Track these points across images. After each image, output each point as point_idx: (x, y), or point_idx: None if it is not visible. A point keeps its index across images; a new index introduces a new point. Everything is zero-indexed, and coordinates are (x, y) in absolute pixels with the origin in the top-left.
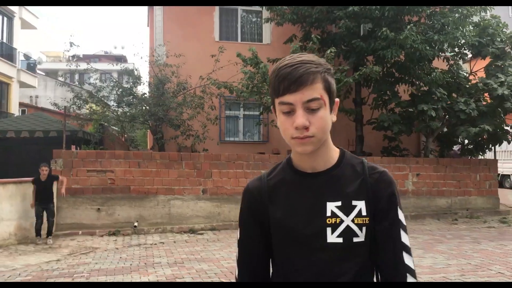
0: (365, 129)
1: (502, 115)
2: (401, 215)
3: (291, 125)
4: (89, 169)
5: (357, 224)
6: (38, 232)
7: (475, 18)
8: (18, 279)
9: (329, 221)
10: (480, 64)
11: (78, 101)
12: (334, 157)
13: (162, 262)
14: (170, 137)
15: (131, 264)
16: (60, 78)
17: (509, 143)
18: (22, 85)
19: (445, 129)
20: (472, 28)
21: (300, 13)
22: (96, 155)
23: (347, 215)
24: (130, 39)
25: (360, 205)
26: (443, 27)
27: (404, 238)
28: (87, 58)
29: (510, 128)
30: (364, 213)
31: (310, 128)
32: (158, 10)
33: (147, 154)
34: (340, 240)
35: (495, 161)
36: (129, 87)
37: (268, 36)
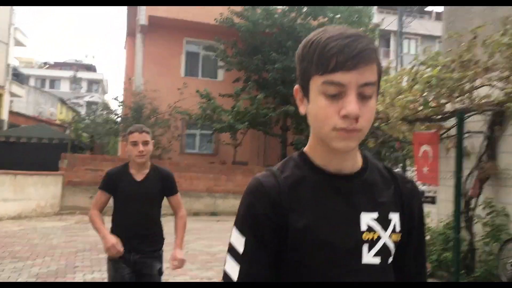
0: (289, 149)
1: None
2: None
3: (337, 112)
4: (86, 168)
5: (393, 242)
6: None
7: None
8: (56, 228)
9: (365, 236)
10: None
11: (77, 117)
12: (359, 158)
13: None
14: None
15: None
16: (32, 84)
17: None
18: (12, 95)
19: None
20: None
21: (243, 63)
22: (91, 158)
23: (385, 230)
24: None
25: (395, 218)
26: None
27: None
28: (58, 66)
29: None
30: (398, 228)
31: (360, 119)
32: (139, 52)
33: (128, 160)
34: (377, 260)
35: None
36: (114, 109)
37: (222, 75)
